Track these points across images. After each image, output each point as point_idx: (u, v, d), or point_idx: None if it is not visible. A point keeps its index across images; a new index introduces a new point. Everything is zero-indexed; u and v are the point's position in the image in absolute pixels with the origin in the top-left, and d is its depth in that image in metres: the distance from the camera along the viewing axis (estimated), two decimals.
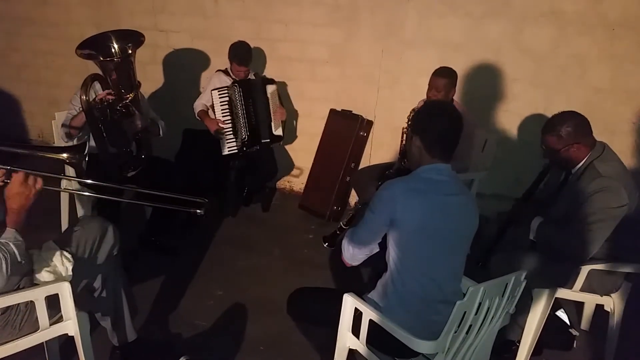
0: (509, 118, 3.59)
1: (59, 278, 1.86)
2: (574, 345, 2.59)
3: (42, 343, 2.01)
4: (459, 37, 3.49)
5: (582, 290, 2.31)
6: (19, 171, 1.70)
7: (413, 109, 3.23)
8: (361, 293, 1.93)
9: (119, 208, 3.03)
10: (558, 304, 2.63)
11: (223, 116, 3.48)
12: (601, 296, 2.35)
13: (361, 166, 3.91)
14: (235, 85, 3.45)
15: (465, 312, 1.62)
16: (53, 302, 1.84)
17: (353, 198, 4.06)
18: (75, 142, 2.82)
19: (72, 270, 1.91)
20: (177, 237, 3.47)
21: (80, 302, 1.91)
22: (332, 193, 3.83)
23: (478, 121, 3.28)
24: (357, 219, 2.06)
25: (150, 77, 4.29)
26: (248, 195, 3.96)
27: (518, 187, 2.62)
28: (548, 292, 2.29)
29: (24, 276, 1.81)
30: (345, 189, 3.92)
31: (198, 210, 2.04)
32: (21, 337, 1.82)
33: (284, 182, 4.39)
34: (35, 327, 1.84)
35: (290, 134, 4.11)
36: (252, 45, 3.58)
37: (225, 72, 3.63)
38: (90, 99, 2.57)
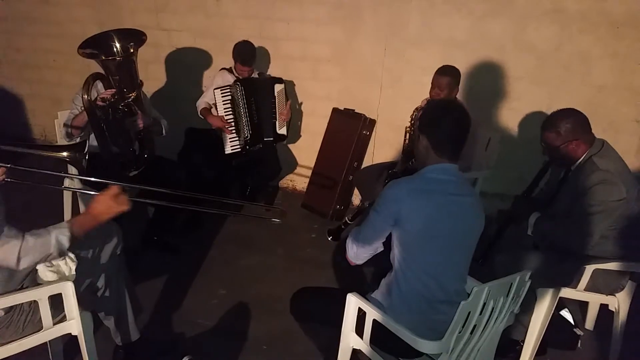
0: (512, 116, 3.58)
1: (62, 278, 1.86)
2: (578, 344, 2.58)
3: (46, 342, 2.01)
4: (462, 35, 3.48)
5: (587, 289, 2.30)
6: (116, 185, 1.72)
7: (416, 108, 3.22)
8: (365, 293, 1.93)
9: None
10: (562, 303, 2.62)
11: (226, 115, 3.48)
12: (606, 295, 2.34)
13: (364, 165, 3.90)
14: (238, 84, 3.45)
15: (469, 312, 1.61)
16: (56, 302, 1.84)
17: (356, 197, 4.05)
18: (77, 140, 2.82)
19: (76, 269, 1.90)
20: (180, 236, 3.47)
21: (83, 301, 1.91)
22: (334, 192, 3.83)
23: (481, 120, 3.27)
24: (364, 218, 2.05)
25: (152, 76, 4.29)
26: (251, 194, 3.96)
27: (521, 186, 2.61)
28: (552, 291, 2.29)
29: (28, 275, 1.81)
30: (348, 188, 3.91)
31: (276, 220, 2.04)
32: (25, 336, 1.82)
33: (286, 181, 4.39)
34: (38, 327, 1.84)
35: (294, 133, 4.11)
36: (253, 44, 3.58)
37: (230, 70, 3.63)
38: (92, 99, 2.56)
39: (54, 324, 1.86)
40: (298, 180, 4.34)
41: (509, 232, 2.56)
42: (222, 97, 3.46)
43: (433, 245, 1.74)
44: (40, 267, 1.84)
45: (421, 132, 1.81)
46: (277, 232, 3.67)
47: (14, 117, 5.07)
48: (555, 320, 2.48)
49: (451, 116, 1.76)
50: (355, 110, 3.85)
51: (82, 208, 3.08)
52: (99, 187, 2.42)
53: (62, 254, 1.72)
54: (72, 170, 2.84)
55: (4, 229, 1.60)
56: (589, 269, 2.24)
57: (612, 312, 2.40)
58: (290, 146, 4.22)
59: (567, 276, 2.29)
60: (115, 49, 2.65)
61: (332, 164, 3.90)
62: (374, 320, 1.78)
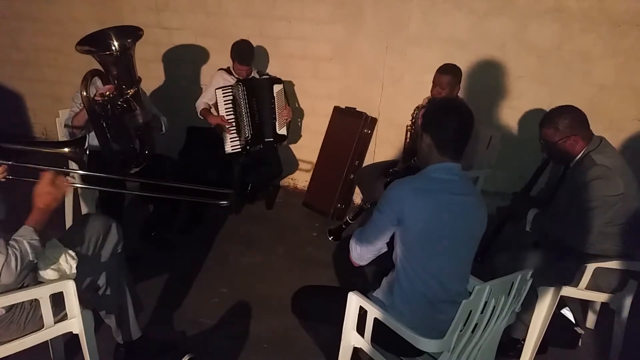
0: (514, 115, 3.58)
1: (63, 276, 1.86)
2: (579, 343, 2.58)
3: (47, 341, 2.01)
4: (464, 33, 3.47)
5: (588, 288, 2.30)
6: (48, 170, 1.69)
7: (417, 107, 3.22)
8: (366, 291, 1.93)
9: (122, 205, 3.03)
10: (563, 302, 2.62)
11: (227, 115, 3.48)
12: (607, 294, 2.34)
13: (365, 164, 3.90)
14: (239, 84, 3.44)
15: (471, 311, 1.61)
16: (57, 300, 1.84)
17: (357, 196, 4.05)
18: None
19: (77, 268, 1.91)
20: (180, 234, 3.47)
21: (84, 300, 1.91)
22: (336, 191, 3.82)
23: (482, 118, 3.27)
24: (365, 217, 2.05)
25: (153, 74, 4.29)
26: (252, 193, 3.96)
27: (522, 184, 2.61)
28: (553, 290, 2.29)
29: (28, 274, 1.81)
30: (349, 186, 3.91)
31: (223, 202, 2.05)
32: (26, 335, 1.83)
33: (287, 180, 4.39)
34: (39, 325, 1.84)
35: (295, 133, 4.11)
36: (254, 43, 3.58)
37: (228, 70, 3.63)
38: (91, 95, 2.57)
39: (55, 322, 1.86)
40: (299, 179, 4.34)
41: (509, 231, 2.57)
42: (224, 97, 3.46)
43: (435, 245, 1.74)
44: (42, 266, 1.84)
45: (424, 130, 1.80)
46: (278, 231, 3.67)
47: (15, 115, 5.07)
48: (557, 319, 2.48)
49: (455, 115, 1.75)
50: (357, 109, 3.85)
51: (83, 207, 3.09)
52: (100, 184, 2.44)
53: (38, 256, 1.71)
54: (73, 166, 2.84)
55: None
56: (590, 268, 2.23)
57: (613, 310, 2.40)
58: (292, 145, 4.22)
59: (568, 275, 2.29)
60: (112, 45, 2.65)
61: (333, 163, 3.90)
62: (375, 319, 1.78)
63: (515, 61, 3.44)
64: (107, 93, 2.60)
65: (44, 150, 2.00)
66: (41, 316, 1.82)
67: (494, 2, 3.35)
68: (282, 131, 3.68)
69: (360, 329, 1.86)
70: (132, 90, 2.66)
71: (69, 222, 3.15)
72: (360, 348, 1.91)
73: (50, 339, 2.04)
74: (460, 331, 1.64)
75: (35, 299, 1.79)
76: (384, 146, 3.92)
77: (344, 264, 3.14)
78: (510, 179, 3.50)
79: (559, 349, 2.56)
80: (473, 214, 1.78)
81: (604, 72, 3.29)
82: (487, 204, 1.84)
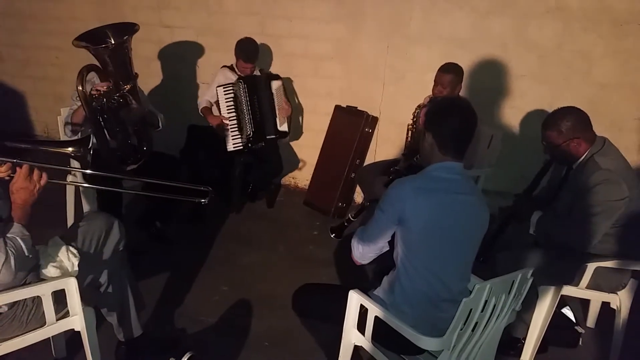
0: (515, 114, 3.58)
1: (65, 273, 1.87)
2: (580, 342, 2.58)
3: (49, 338, 2.02)
4: (465, 33, 3.47)
5: (588, 287, 2.30)
6: (23, 165, 1.70)
7: (418, 106, 3.23)
8: (366, 290, 1.93)
9: (121, 203, 3.03)
10: (564, 301, 2.62)
11: (228, 112, 3.48)
12: (607, 293, 2.34)
13: (366, 163, 3.90)
14: (240, 82, 3.45)
15: (471, 310, 1.61)
16: (59, 298, 1.85)
17: (358, 195, 4.05)
18: (79, 136, 2.82)
19: (78, 265, 1.91)
20: (178, 230, 3.47)
21: (86, 297, 1.92)
22: (337, 189, 3.83)
23: (483, 117, 3.27)
24: (366, 216, 2.05)
25: (155, 73, 4.29)
26: (253, 192, 3.96)
27: (523, 184, 2.61)
28: (554, 289, 2.29)
29: (31, 272, 1.82)
30: (350, 185, 3.91)
31: (202, 200, 2.04)
32: (28, 332, 1.83)
33: (288, 179, 4.39)
34: (41, 322, 1.85)
35: (296, 130, 4.11)
36: (257, 41, 3.58)
37: (231, 68, 3.63)
38: (87, 91, 2.57)
39: (57, 319, 1.87)
40: (300, 178, 4.34)
41: (510, 229, 2.57)
42: (225, 94, 3.46)
43: (436, 244, 1.74)
44: (44, 263, 1.85)
45: (427, 129, 1.80)
46: (279, 229, 3.68)
47: (17, 114, 5.08)
48: (557, 318, 2.49)
49: (457, 114, 1.75)
50: (358, 108, 3.85)
51: (84, 205, 3.10)
52: (99, 180, 2.44)
53: (32, 251, 1.72)
54: (75, 164, 2.85)
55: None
56: (591, 267, 2.24)
57: (614, 310, 2.39)
58: (293, 143, 4.22)
59: (568, 274, 2.29)
60: (107, 40, 2.66)
61: (335, 162, 3.90)
62: (376, 317, 1.79)
63: (516, 60, 3.45)
64: (104, 88, 2.61)
65: (48, 149, 2.00)
66: (43, 313, 1.82)
67: (494, 1, 3.35)
68: (284, 127, 3.68)
69: (361, 327, 1.87)
70: (128, 86, 2.67)
71: (70, 220, 3.16)
72: (361, 346, 1.91)
73: (52, 336, 2.06)
74: (461, 330, 1.64)
75: (38, 296, 1.80)
76: (385, 145, 3.92)
77: (345, 263, 3.15)
78: (511, 178, 3.51)
79: (560, 348, 2.56)
80: (474, 213, 1.78)
81: (604, 72, 3.29)
82: (488, 203, 1.84)
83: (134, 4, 4.20)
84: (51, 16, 4.52)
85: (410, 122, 3.26)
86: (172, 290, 2.89)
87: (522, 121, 3.57)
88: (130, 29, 2.74)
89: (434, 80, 3.03)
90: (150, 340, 2.33)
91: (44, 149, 1.99)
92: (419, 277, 1.77)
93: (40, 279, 1.84)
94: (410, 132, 3.26)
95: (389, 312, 1.77)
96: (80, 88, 2.51)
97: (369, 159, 3.94)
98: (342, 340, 1.96)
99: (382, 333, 1.80)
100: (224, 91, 3.45)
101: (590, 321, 2.76)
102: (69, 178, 2.98)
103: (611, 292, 2.34)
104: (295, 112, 3.84)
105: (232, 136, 3.52)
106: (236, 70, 3.59)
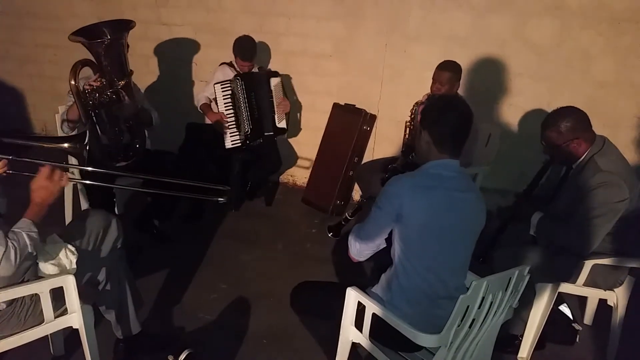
0: (513, 112, 3.58)
1: (63, 271, 1.87)
2: (577, 339, 2.59)
3: (47, 335, 2.03)
4: (463, 31, 3.47)
5: (586, 284, 2.31)
6: (45, 164, 1.70)
7: (416, 103, 3.23)
8: (364, 287, 1.93)
9: (114, 201, 3.02)
10: (561, 298, 2.63)
11: (226, 109, 3.48)
12: (604, 291, 2.35)
13: (364, 160, 3.91)
14: (238, 79, 3.45)
15: (468, 306, 1.62)
16: (57, 295, 1.85)
17: (356, 192, 4.06)
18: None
19: (76, 263, 1.92)
20: (177, 228, 3.47)
21: (84, 294, 1.92)
22: (335, 187, 3.83)
23: (481, 115, 3.27)
24: (364, 214, 2.05)
25: (153, 70, 4.28)
26: (251, 190, 3.97)
27: (522, 182, 2.61)
28: (551, 286, 2.30)
29: (29, 268, 1.82)
30: (349, 183, 3.92)
31: (220, 199, 2.06)
32: (26, 329, 1.84)
33: (287, 176, 4.39)
34: (40, 320, 1.85)
35: (294, 127, 4.11)
36: (254, 39, 3.58)
37: (230, 65, 3.63)
38: (81, 85, 2.57)
39: (55, 317, 1.88)
40: (298, 176, 4.35)
41: (508, 227, 2.57)
42: (223, 91, 3.46)
43: (434, 241, 1.75)
44: (42, 261, 1.85)
45: (423, 127, 1.80)
46: (277, 227, 3.68)
47: (15, 111, 5.08)
48: (554, 315, 2.50)
49: (454, 112, 1.76)
50: (356, 106, 3.85)
51: (82, 202, 3.10)
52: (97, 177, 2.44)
53: (37, 248, 1.73)
54: (72, 161, 2.85)
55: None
56: (588, 264, 2.24)
57: (611, 307, 2.41)
58: (291, 141, 4.22)
59: (566, 271, 2.30)
60: (102, 35, 2.66)
61: (333, 159, 3.90)
62: (374, 314, 1.79)
63: (514, 58, 3.45)
64: (98, 83, 2.61)
65: (44, 145, 2.00)
66: (41, 311, 1.83)
67: None
68: (282, 124, 3.68)
69: (359, 325, 1.87)
70: (122, 82, 2.67)
71: (68, 217, 3.16)
72: (359, 343, 1.92)
73: (50, 334, 2.06)
74: (458, 326, 1.65)
75: (36, 294, 1.80)
76: (384, 143, 3.92)
77: (343, 260, 3.15)
78: (509, 176, 3.52)
79: (557, 345, 2.57)
80: (472, 210, 1.79)
81: (603, 70, 3.29)
82: (486, 201, 1.85)
83: (132, 1, 4.19)
84: (49, 14, 4.51)
85: (408, 119, 3.26)
86: (170, 288, 2.90)
87: (521, 119, 3.57)
88: (125, 25, 2.74)
89: (432, 78, 3.03)
90: (149, 337, 2.34)
91: (40, 144, 1.99)
92: (416, 274, 1.77)
93: (38, 277, 1.85)
94: (407, 129, 3.27)
95: (386, 309, 1.77)
96: (72, 82, 2.50)
97: (367, 157, 3.94)
98: (340, 337, 1.96)
99: (380, 330, 1.81)
100: (222, 88, 3.45)
101: (588, 318, 2.77)
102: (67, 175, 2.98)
103: (608, 290, 2.34)
104: (294, 109, 3.84)
105: (230, 133, 3.52)
106: (235, 67, 3.60)
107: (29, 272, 1.82)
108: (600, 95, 3.33)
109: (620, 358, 2.44)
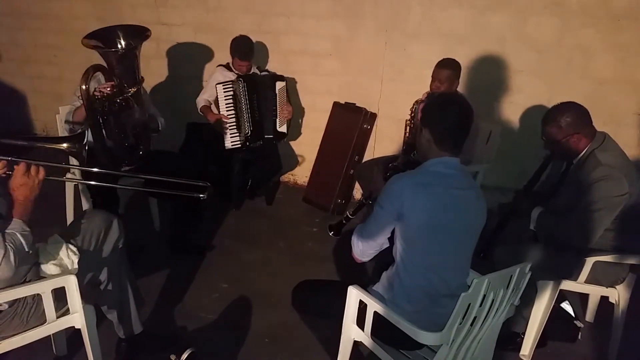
0: (513, 110, 3.58)
1: (65, 271, 1.87)
2: (579, 337, 2.59)
3: (49, 335, 2.03)
4: (463, 28, 3.47)
5: (587, 282, 2.31)
6: (20, 162, 1.71)
7: (416, 101, 3.22)
8: (366, 285, 1.94)
9: (118, 202, 3.01)
10: (563, 295, 2.63)
11: (227, 110, 3.48)
12: (606, 288, 2.35)
13: (365, 159, 3.91)
14: (240, 80, 3.45)
15: (469, 304, 1.62)
16: (60, 295, 1.85)
17: (357, 191, 4.06)
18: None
19: (78, 263, 1.92)
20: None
21: (86, 295, 1.92)
22: (336, 186, 3.83)
23: (482, 113, 3.27)
24: (365, 212, 2.05)
25: (153, 71, 4.28)
26: (252, 189, 3.97)
27: (522, 179, 2.61)
28: (552, 284, 2.30)
29: (31, 269, 1.82)
30: (349, 182, 3.92)
31: (201, 195, 2.05)
32: (28, 329, 1.84)
33: (287, 176, 4.39)
34: (42, 320, 1.86)
35: (295, 129, 4.11)
36: (254, 39, 3.58)
37: (227, 66, 3.63)
38: (91, 90, 2.57)
39: (58, 317, 1.88)
40: (299, 174, 4.35)
41: (509, 224, 2.57)
42: (224, 92, 3.46)
43: (435, 239, 1.75)
44: (43, 261, 1.86)
45: (423, 125, 1.80)
46: (278, 226, 3.68)
47: (16, 112, 5.07)
48: (556, 313, 2.50)
49: (454, 110, 1.76)
50: (356, 104, 3.85)
51: (84, 203, 3.10)
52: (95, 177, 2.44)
53: (32, 247, 1.73)
54: (73, 162, 2.84)
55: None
56: (590, 262, 2.24)
57: (613, 304, 2.40)
58: (291, 140, 4.22)
59: (567, 269, 2.30)
60: (119, 43, 2.65)
61: (333, 158, 3.90)
62: (375, 313, 1.79)
63: (514, 56, 3.45)
64: (108, 90, 2.60)
65: (43, 145, 2.00)
66: (43, 311, 1.83)
67: None
68: (282, 129, 3.68)
69: (361, 323, 1.87)
70: (133, 90, 2.66)
71: (70, 217, 3.16)
72: (361, 342, 1.92)
73: (52, 334, 2.06)
74: (460, 324, 1.65)
75: (38, 294, 1.80)
76: (384, 141, 3.92)
77: (344, 259, 3.15)
78: (510, 174, 3.52)
79: (559, 343, 2.57)
80: (472, 208, 1.79)
81: (603, 67, 3.29)
82: (487, 199, 1.85)
83: (132, 2, 4.19)
84: (50, 15, 4.51)
85: (409, 117, 3.26)
86: (171, 288, 2.90)
87: (521, 116, 3.57)
88: (142, 33, 2.72)
89: (432, 76, 3.03)
90: (151, 337, 2.34)
91: (40, 145, 1.99)
92: (417, 272, 1.77)
93: (40, 277, 1.85)
94: (408, 127, 3.27)
95: (388, 308, 1.77)
96: (84, 87, 2.49)
97: (367, 155, 3.94)
98: (342, 336, 1.97)
99: (382, 328, 1.81)
100: (224, 89, 3.45)
101: (589, 315, 2.77)
102: (67, 176, 2.98)
103: (610, 287, 2.34)
104: (295, 112, 3.84)
105: (231, 134, 3.52)
106: (233, 68, 3.59)
107: (31, 272, 1.82)
108: (600, 92, 3.33)
109: (622, 355, 2.44)
